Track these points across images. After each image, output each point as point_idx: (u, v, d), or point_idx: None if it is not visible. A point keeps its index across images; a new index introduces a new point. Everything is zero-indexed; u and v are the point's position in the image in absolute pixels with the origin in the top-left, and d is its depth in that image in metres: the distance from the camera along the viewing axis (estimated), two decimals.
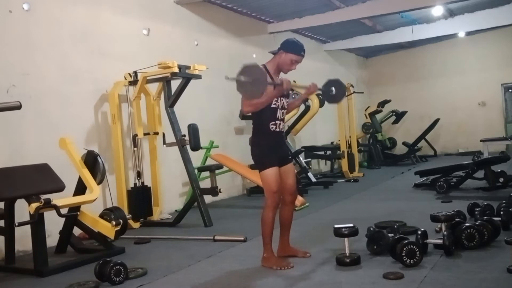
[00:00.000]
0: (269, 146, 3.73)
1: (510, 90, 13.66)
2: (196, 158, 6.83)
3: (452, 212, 4.14)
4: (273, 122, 3.73)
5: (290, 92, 4.17)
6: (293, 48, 3.74)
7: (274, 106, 3.71)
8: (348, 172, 9.90)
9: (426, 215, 4.32)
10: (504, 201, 4.76)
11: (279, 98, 3.73)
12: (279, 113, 3.76)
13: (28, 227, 4.01)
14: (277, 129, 3.76)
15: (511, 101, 13.79)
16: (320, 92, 4.12)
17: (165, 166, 6.62)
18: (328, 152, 10.70)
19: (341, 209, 6.29)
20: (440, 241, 3.70)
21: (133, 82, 5.95)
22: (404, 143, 12.56)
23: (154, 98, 6.13)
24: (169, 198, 6.73)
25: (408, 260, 3.44)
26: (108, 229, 4.41)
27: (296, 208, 6.20)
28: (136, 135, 6.05)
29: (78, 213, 4.46)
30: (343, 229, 3.69)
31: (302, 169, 8.73)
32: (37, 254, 3.99)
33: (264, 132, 3.73)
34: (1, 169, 4.10)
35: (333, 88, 4.01)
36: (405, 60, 14.43)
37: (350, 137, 10.38)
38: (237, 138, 8.44)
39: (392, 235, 3.83)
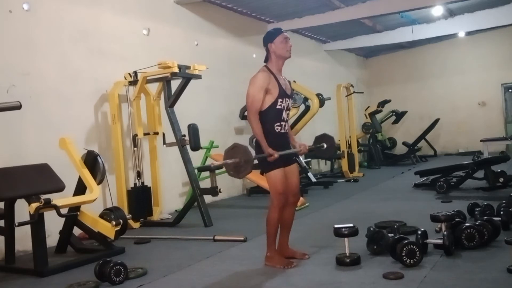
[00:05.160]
0: (274, 147, 3.65)
1: (510, 90, 13.67)
2: (196, 158, 6.83)
3: (452, 212, 4.14)
4: (278, 123, 3.71)
5: (292, 91, 4.21)
6: (273, 34, 3.77)
7: (280, 107, 3.69)
8: (348, 172, 9.90)
9: (426, 215, 4.31)
10: (504, 201, 4.76)
11: (283, 99, 3.71)
12: (284, 114, 3.74)
13: (28, 227, 4.01)
14: (282, 130, 3.74)
15: (511, 101, 13.79)
16: (312, 150, 4.20)
17: (165, 166, 6.62)
18: None
19: (341, 209, 6.29)
20: (440, 241, 3.70)
21: (133, 82, 5.95)
22: (404, 143, 12.57)
23: (154, 98, 6.13)
24: (169, 198, 6.72)
25: (408, 260, 3.44)
26: (108, 229, 4.41)
27: (296, 208, 6.19)
28: (136, 135, 6.05)
29: (78, 213, 4.46)
30: (343, 229, 3.69)
31: (302, 169, 8.72)
32: (37, 254, 3.99)
33: (269, 133, 3.67)
34: (1, 169, 4.10)
35: (324, 144, 4.13)
36: (405, 60, 14.43)
37: (350, 137, 10.39)
38: (237, 138, 8.42)
39: (392, 235, 3.83)
